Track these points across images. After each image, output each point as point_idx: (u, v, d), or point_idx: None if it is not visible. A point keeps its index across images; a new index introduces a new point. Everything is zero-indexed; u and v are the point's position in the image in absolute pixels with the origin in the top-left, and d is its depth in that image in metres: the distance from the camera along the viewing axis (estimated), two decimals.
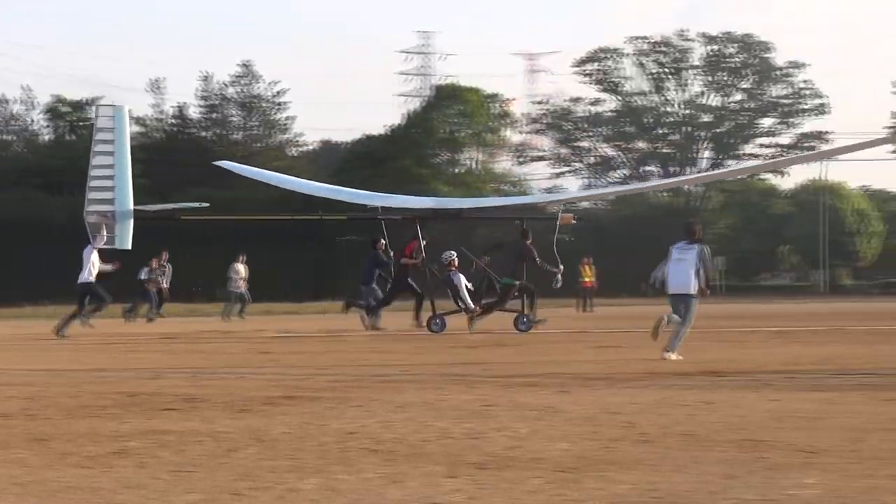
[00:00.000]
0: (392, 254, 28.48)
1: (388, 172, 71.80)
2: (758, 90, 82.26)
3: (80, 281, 26.09)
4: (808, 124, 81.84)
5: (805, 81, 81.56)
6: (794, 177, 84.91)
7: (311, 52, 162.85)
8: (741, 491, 6.76)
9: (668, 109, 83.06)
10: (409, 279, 28.19)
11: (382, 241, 28.45)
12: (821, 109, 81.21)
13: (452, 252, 27.89)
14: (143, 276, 36.67)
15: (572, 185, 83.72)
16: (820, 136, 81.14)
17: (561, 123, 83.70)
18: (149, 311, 36.55)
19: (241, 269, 37.30)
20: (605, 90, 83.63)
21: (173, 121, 75.07)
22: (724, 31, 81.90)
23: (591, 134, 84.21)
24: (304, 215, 39.72)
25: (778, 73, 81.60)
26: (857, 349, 19.32)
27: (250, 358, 19.11)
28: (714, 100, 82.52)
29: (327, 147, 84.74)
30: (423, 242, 27.90)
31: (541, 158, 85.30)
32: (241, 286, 37.30)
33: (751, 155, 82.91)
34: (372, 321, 27.70)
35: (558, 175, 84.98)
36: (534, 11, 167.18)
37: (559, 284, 26.65)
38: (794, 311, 42.12)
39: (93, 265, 25.87)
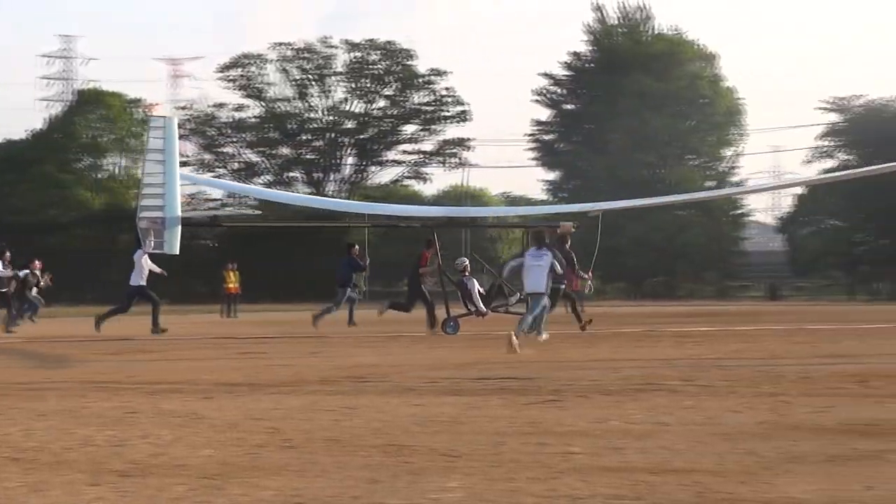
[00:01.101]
0: (368, 259, 30.52)
1: (32, 177, 70.01)
2: (400, 97, 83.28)
3: (131, 283, 28.45)
4: (450, 131, 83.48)
5: (447, 89, 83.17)
6: (437, 183, 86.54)
7: None
8: (385, 495, 6.79)
9: (312, 116, 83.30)
10: (423, 287, 29.03)
11: (356, 246, 30.48)
12: (462, 116, 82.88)
13: (465, 258, 29.40)
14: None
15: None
16: (461, 142, 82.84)
17: (205, 129, 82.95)
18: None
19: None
20: (248, 96, 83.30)
21: None
22: (367, 38, 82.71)
23: (234, 140, 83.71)
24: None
25: (420, 80, 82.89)
26: (496, 354, 19.71)
27: None
28: (357, 106, 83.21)
29: None
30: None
31: (185, 164, 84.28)
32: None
33: (394, 161, 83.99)
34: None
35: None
36: (178, 16, 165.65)
37: (590, 289, 28.97)
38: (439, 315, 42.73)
39: (143, 269, 28.09)
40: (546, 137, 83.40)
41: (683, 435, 9.22)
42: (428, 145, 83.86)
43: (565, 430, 9.62)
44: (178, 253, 27.72)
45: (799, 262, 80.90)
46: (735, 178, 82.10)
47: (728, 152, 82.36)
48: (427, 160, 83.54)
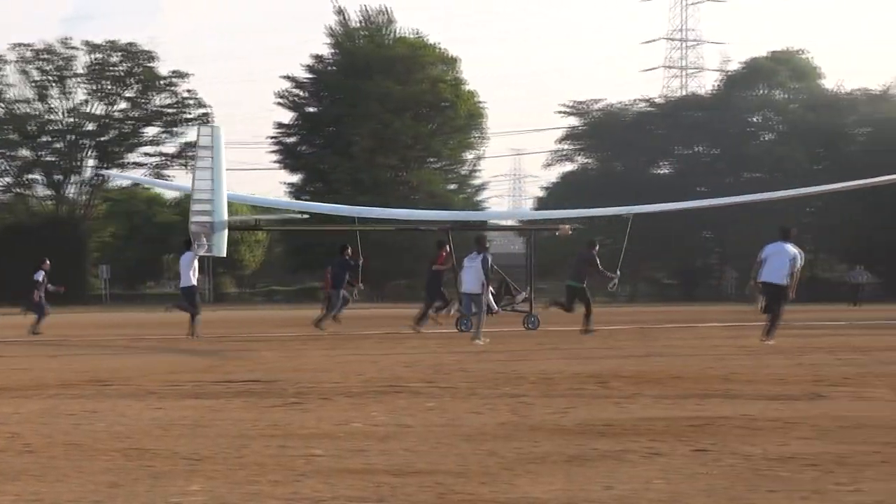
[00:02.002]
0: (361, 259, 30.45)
1: None
2: (142, 99, 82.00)
3: (183, 285, 28.47)
4: (193, 133, 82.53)
5: (189, 91, 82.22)
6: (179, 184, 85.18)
7: None
8: (126, 499, 6.70)
9: (52, 117, 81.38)
10: (440, 285, 30.31)
11: (349, 247, 30.90)
12: (204, 119, 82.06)
13: None
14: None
15: None
16: None
17: None
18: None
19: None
20: None
21: None
22: (108, 39, 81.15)
23: None
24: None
25: (162, 82, 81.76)
26: (241, 356, 19.60)
27: None
28: (98, 108, 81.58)
29: None
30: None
31: None
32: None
33: (135, 164, 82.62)
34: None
35: None
36: None
37: (615, 286, 30.27)
38: (181, 319, 42.29)
39: (194, 270, 28.34)
40: (288, 140, 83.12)
41: (425, 436, 9.30)
42: (170, 147, 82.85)
43: (308, 432, 9.62)
44: (224, 255, 30.15)
45: (540, 266, 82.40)
46: (476, 181, 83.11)
47: (469, 155, 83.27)
48: (169, 162, 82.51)
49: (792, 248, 22.78)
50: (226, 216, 29.19)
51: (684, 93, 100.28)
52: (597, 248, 28.34)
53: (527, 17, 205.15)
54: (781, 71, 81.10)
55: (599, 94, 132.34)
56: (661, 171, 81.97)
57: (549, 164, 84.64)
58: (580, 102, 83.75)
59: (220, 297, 77.24)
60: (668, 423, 9.97)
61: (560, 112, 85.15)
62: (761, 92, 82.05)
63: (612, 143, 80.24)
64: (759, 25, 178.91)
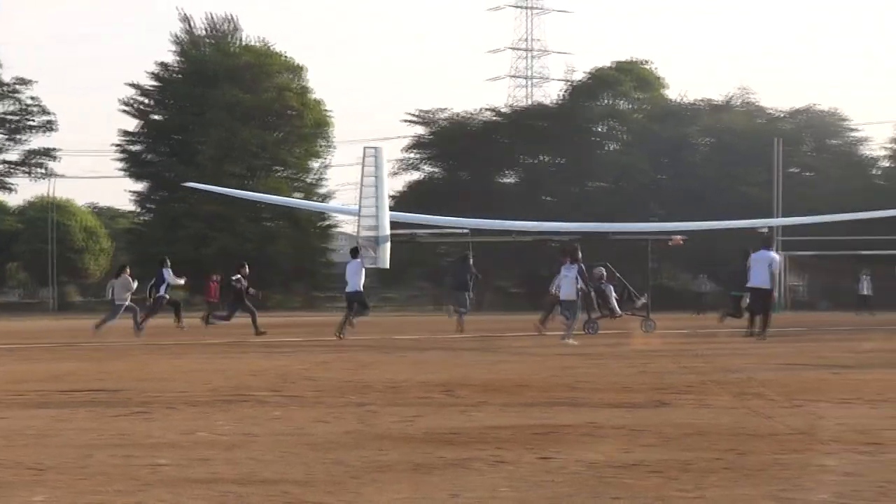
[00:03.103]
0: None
1: None
2: None
3: (349, 290, 30.25)
4: (36, 140, 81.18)
5: (32, 98, 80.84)
6: (22, 193, 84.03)
7: None
8: None
9: None
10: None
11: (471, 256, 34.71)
12: (48, 126, 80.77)
13: (602, 268, 32.81)
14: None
15: None
16: (47, 152, 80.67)
17: None
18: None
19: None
20: None
21: None
22: None
23: None
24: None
25: (4, 89, 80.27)
26: (87, 365, 19.37)
27: None
28: None
29: None
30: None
31: None
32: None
33: None
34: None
35: None
36: None
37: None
38: (24, 328, 41.72)
39: (361, 277, 30.57)
40: (133, 148, 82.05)
41: (271, 445, 9.29)
42: (13, 155, 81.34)
43: (153, 441, 9.55)
44: (388, 266, 32.26)
45: (386, 273, 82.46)
46: (322, 190, 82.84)
47: (316, 164, 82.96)
48: (12, 170, 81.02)
49: (773, 255, 26.57)
50: (388, 230, 31.64)
51: (530, 102, 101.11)
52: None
53: (374, 25, 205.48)
54: (626, 81, 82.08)
55: (446, 104, 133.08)
56: (507, 180, 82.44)
57: (395, 173, 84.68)
58: (426, 111, 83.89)
59: (64, 305, 75.99)
60: (514, 432, 10.06)
61: (406, 121, 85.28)
62: (606, 102, 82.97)
63: (458, 151, 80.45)
64: (604, 36, 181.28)
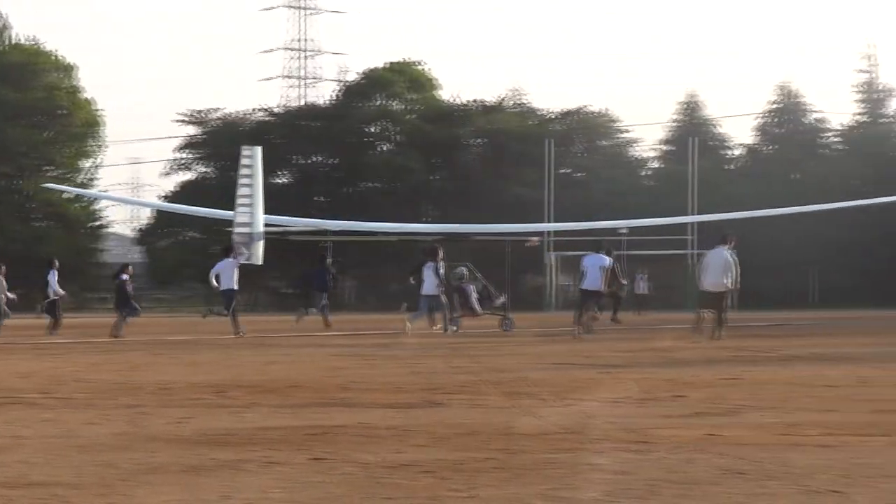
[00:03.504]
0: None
1: None
2: None
3: (223, 288, 30.50)
4: None
5: None
6: None
7: None
8: None
9: None
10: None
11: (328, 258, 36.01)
12: None
13: (464, 269, 33.72)
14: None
15: None
16: None
17: None
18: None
19: None
20: None
21: None
22: None
23: None
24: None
25: None
26: None
27: None
28: None
29: None
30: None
31: None
32: None
33: None
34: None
35: None
36: None
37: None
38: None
39: (235, 274, 30.78)
40: None
41: (41, 448, 9.15)
42: None
43: None
44: (261, 262, 33.17)
45: (158, 273, 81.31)
46: (93, 190, 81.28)
47: (86, 164, 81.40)
48: None
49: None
50: (262, 228, 32.61)
51: (303, 103, 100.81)
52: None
53: (147, 25, 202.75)
54: (399, 82, 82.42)
55: (219, 104, 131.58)
56: (281, 181, 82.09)
57: (167, 173, 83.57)
58: (198, 111, 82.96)
59: None
60: (286, 433, 10.08)
61: (178, 121, 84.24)
62: (379, 102, 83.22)
63: (231, 152, 79.68)
64: (378, 37, 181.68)
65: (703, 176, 69.31)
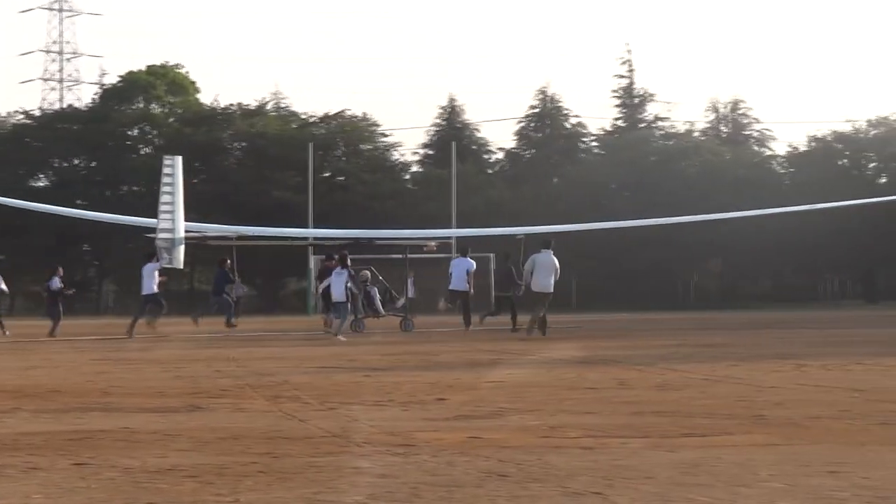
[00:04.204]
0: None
1: None
2: None
3: (145, 292, 33.41)
4: None
5: None
6: None
7: None
8: None
9: None
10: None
11: (229, 260, 35.53)
12: None
13: (367, 272, 35.22)
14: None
15: None
16: None
17: None
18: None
19: None
20: None
21: None
22: None
23: None
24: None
25: None
26: None
27: None
28: None
29: None
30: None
31: None
32: None
33: None
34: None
35: None
36: None
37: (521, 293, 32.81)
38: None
39: (155, 279, 33.29)
40: None
41: None
42: None
43: None
44: (182, 267, 35.39)
45: None
46: None
47: None
48: None
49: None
50: (182, 233, 33.38)
51: (62, 106, 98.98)
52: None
53: None
54: (159, 85, 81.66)
55: None
56: (40, 184, 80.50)
57: None
58: None
59: None
60: (48, 438, 9.94)
61: None
62: (139, 105, 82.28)
63: None
64: (138, 40, 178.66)
65: (465, 179, 70.26)
